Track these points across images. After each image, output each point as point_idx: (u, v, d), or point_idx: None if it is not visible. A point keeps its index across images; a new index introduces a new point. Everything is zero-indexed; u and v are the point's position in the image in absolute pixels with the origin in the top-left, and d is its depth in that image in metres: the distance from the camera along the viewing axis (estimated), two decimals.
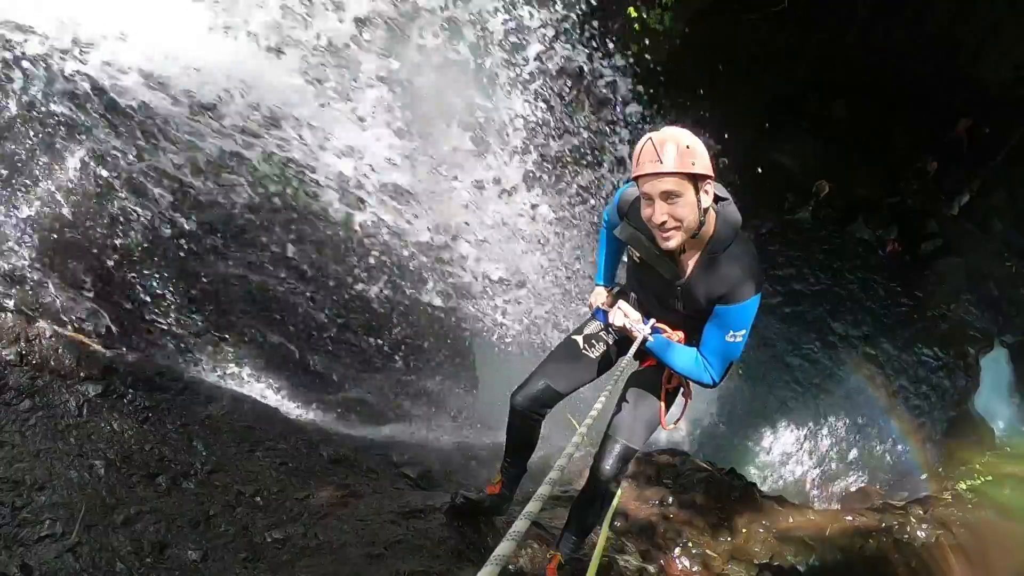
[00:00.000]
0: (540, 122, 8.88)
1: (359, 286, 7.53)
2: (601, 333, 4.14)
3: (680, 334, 3.79)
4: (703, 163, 3.16)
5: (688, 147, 3.12)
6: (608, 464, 4.04)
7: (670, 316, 3.75)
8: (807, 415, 14.91)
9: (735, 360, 3.63)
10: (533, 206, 8.82)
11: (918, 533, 8.23)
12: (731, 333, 3.43)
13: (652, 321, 3.79)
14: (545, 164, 9.08)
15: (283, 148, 6.78)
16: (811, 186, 15.04)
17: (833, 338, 15.12)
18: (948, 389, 14.45)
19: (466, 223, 8.12)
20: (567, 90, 9.33)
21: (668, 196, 3.11)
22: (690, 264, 3.44)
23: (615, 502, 4.54)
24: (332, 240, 7.29)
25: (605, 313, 3.94)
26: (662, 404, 3.99)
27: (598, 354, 4.11)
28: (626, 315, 3.75)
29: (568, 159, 9.65)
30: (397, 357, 8.21)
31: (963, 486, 9.84)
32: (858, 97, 14.69)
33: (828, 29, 13.13)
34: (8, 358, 4.96)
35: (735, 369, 12.14)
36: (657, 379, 4.02)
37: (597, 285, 4.44)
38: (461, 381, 9.17)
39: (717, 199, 3.39)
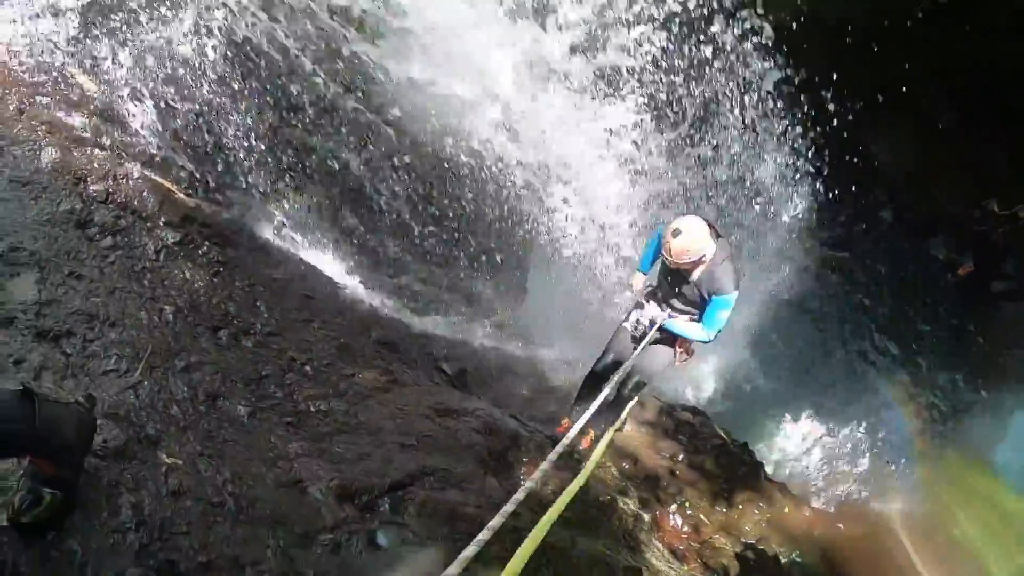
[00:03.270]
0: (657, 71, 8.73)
1: (438, 183, 7.65)
2: (639, 321, 5.98)
3: (687, 316, 5.77)
4: (704, 249, 5.15)
5: (695, 248, 5.13)
6: (627, 389, 6.37)
7: (682, 299, 5.67)
8: (832, 415, 14.77)
9: (722, 330, 5.59)
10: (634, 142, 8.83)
11: (905, 546, 8.36)
12: (720, 312, 5.42)
13: (668, 311, 5.80)
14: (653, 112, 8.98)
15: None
16: (899, 182, 14.24)
17: (880, 348, 14.75)
18: (974, 433, 14.20)
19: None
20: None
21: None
22: (697, 272, 5.35)
23: (624, 414, 6.90)
24: (426, 145, 7.39)
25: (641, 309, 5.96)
26: (673, 350, 6.06)
27: (638, 334, 6.01)
28: (654, 310, 5.86)
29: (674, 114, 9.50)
30: (458, 254, 8.37)
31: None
32: (973, 112, 13.66)
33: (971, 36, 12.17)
34: (95, 194, 5.15)
35: (777, 351, 12.13)
36: (669, 346, 6.05)
37: (638, 271, 6.17)
38: (512, 291, 9.31)
39: (717, 233, 5.32)
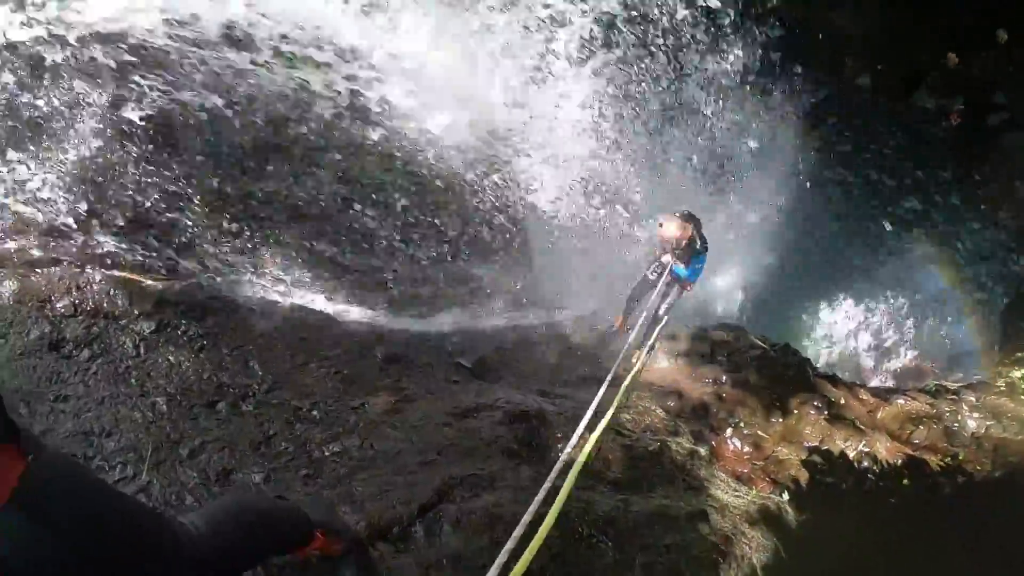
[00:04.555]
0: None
1: (401, 187, 7.54)
2: (659, 264, 8.44)
3: (683, 265, 8.27)
4: (678, 232, 8.01)
5: (672, 234, 8.05)
6: (660, 311, 8.49)
7: (679, 257, 8.19)
8: (865, 289, 14.52)
9: (701, 273, 8.54)
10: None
11: (968, 422, 8.04)
12: (698, 265, 8.37)
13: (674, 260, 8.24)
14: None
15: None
16: (872, 51, 13.64)
17: (895, 211, 14.37)
18: (1009, 270, 13.73)
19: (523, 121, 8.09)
20: None
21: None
22: (683, 243, 8.02)
23: (657, 331, 8.47)
24: (372, 149, 7.25)
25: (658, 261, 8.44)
26: (680, 288, 8.55)
27: (654, 277, 8.45)
28: (667, 259, 8.28)
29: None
30: (450, 248, 8.28)
31: (1018, 374, 9.46)
32: None
33: None
34: (63, 310, 5.15)
35: (797, 247, 12.32)
36: (678, 285, 8.54)
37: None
38: (516, 265, 9.18)
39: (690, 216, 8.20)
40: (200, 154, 6.45)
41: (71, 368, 4.81)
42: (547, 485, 4.23)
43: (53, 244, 5.71)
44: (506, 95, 8.07)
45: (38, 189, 5.97)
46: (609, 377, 6.29)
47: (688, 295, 8.76)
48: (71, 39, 6.03)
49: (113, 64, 6.30)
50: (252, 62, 6.48)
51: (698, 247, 8.22)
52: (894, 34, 13.08)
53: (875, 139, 14.09)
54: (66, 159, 6.10)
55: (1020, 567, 6.32)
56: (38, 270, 5.39)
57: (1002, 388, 9.14)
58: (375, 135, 7.22)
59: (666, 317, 8.57)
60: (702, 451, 6.45)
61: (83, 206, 6.03)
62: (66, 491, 1.26)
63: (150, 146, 6.27)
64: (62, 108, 6.22)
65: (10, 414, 1.09)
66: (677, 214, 8.11)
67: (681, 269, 8.36)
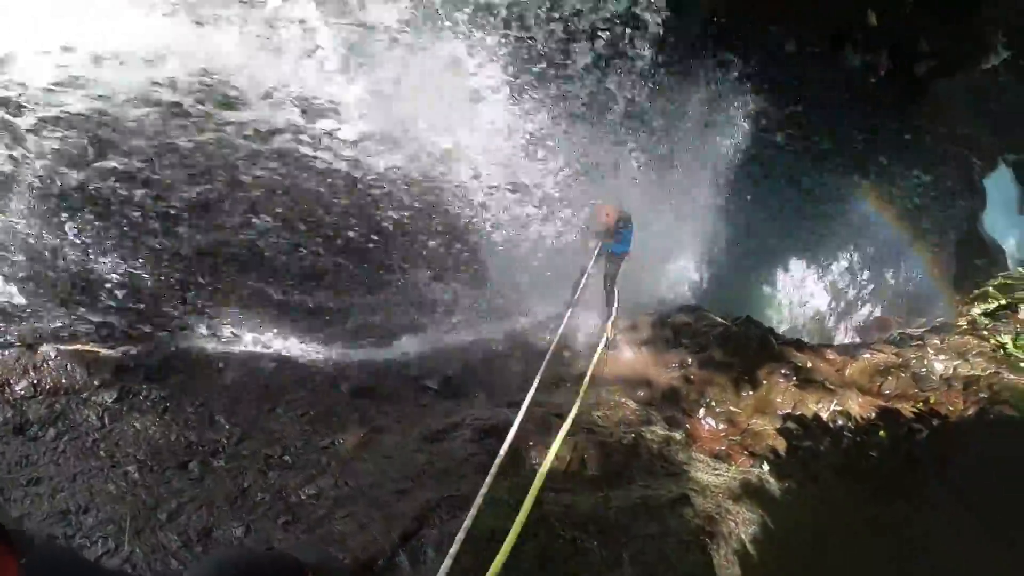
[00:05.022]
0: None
1: (334, 218, 7.56)
2: (598, 245, 9.07)
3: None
4: (607, 216, 9.02)
5: (603, 219, 9.03)
6: (607, 285, 9.09)
7: (604, 235, 8.99)
8: (818, 250, 14.69)
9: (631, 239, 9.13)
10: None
11: (935, 365, 8.17)
12: (629, 237, 9.11)
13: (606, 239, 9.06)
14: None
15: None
16: (795, 17, 13.84)
17: (837, 169, 14.59)
18: (955, 211, 14.06)
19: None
20: None
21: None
22: (611, 225, 8.88)
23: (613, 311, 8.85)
24: (304, 188, 7.27)
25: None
26: (618, 260, 9.17)
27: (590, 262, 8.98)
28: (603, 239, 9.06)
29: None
30: (398, 273, 8.30)
31: (978, 311, 9.65)
32: None
33: None
34: (22, 392, 5.16)
35: (740, 213, 12.33)
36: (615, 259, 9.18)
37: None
38: (470, 280, 9.21)
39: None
40: (140, 214, 6.42)
41: (39, 449, 4.82)
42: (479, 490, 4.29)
43: (4, 327, 5.67)
44: (439, 121, 8.06)
45: None
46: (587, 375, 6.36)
47: (629, 262, 9.29)
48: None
49: (45, 130, 6.25)
50: (181, 110, 6.44)
51: (622, 226, 9.05)
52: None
53: (808, 102, 14.31)
54: (3, 230, 6.05)
55: (999, 502, 6.46)
56: None
57: (964, 327, 9.31)
58: (315, 177, 7.24)
59: (616, 290, 9.10)
60: (677, 436, 6.53)
61: (28, 284, 5.99)
62: None
63: (88, 212, 6.24)
64: None
65: None
66: (601, 202, 9.36)
67: (611, 245, 9.11)
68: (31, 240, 6.21)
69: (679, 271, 13.31)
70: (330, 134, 7.15)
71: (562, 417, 5.91)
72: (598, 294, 9.07)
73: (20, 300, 5.94)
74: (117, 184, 6.27)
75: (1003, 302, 9.54)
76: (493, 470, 4.56)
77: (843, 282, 14.82)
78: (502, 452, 4.89)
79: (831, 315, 14.51)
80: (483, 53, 8.36)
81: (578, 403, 6.19)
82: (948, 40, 13.65)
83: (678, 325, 8.53)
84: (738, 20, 12.42)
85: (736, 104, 13.27)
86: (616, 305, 8.91)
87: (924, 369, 8.14)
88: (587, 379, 6.91)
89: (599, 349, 7.86)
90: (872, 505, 6.22)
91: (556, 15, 9.26)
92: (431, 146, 7.98)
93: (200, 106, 6.51)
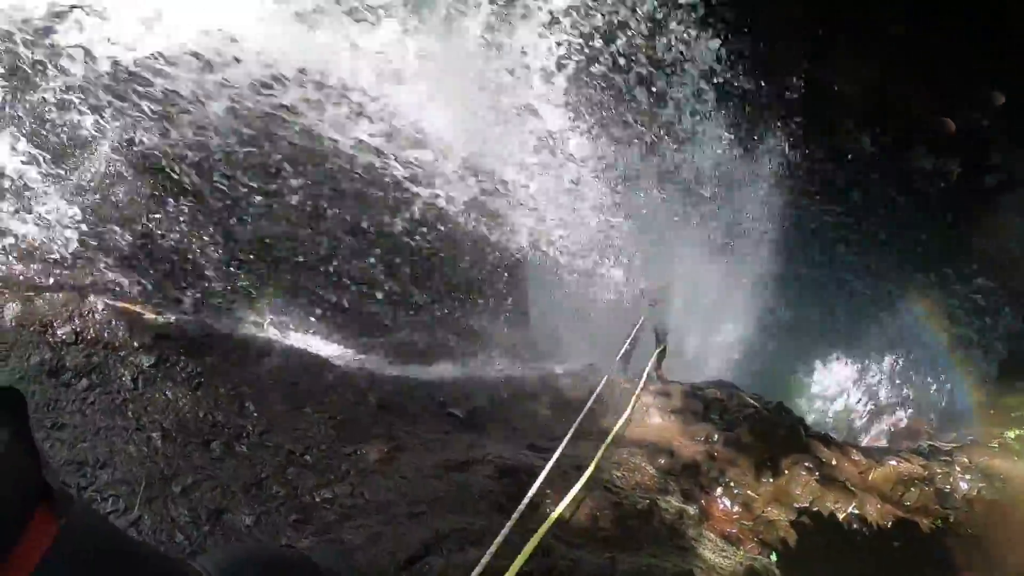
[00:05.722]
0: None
1: (400, 233, 7.61)
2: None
3: None
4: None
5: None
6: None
7: None
8: (859, 348, 14.60)
9: None
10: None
11: (961, 484, 8.05)
12: None
13: None
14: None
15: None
16: (866, 108, 13.86)
17: (890, 270, 14.55)
18: (1004, 329, 13.90)
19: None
20: None
21: None
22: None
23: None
24: (369, 195, 7.34)
25: None
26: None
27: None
28: None
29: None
30: (444, 297, 8.33)
31: (1012, 435, 9.50)
32: (920, 15, 13.19)
33: None
34: (64, 337, 5.19)
35: (788, 299, 12.45)
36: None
37: None
38: (511, 316, 9.22)
39: None
40: (210, 191, 6.52)
41: (69, 396, 4.84)
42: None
43: (57, 270, 5.75)
44: (512, 153, 8.16)
45: (46, 213, 6.02)
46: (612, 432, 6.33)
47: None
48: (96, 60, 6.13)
49: (133, 94, 6.40)
50: (275, 105, 6.57)
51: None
52: (889, 94, 13.34)
53: (873, 197, 14.28)
54: (75, 186, 6.16)
55: None
56: (43, 295, 5.42)
57: (995, 448, 9.18)
58: (383, 188, 7.31)
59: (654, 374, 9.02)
60: (691, 510, 6.41)
61: (89, 235, 6.08)
62: (98, 552, 1.29)
63: (160, 179, 6.34)
64: (78, 133, 6.30)
65: (45, 473, 1.13)
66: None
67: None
68: (98, 196, 6.32)
69: (721, 345, 13.26)
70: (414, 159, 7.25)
71: (582, 469, 5.84)
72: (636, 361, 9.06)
73: (76, 247, 6.00)
74: (193, 155, 6.38)
75: None
76: (516, 515, 4.52)
77: (879, 383, 14.66)
78: (527, 499, 4.86)
79: (862, 414, 14.35)
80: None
81: (598, 457, 6.13)
82: (1020, 153, 13.61)
83: (710, 399, 8.43)
84: (810, 106, 12.40)
85: (802, 192, 13.29)
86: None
87: (949, 486, 8.05)
88: (608, 441, 6.85)
89: (626, 412, 7.81)
90: None
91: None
92: (507, 184, 8.06)
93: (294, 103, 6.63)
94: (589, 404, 7.12)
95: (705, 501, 6.96)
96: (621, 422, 7.28)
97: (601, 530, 5.50)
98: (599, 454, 6.18)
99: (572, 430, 6.20)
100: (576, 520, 5.40)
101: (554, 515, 4.92)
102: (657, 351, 9.05)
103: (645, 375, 8.25)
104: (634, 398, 7.87)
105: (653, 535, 5.77)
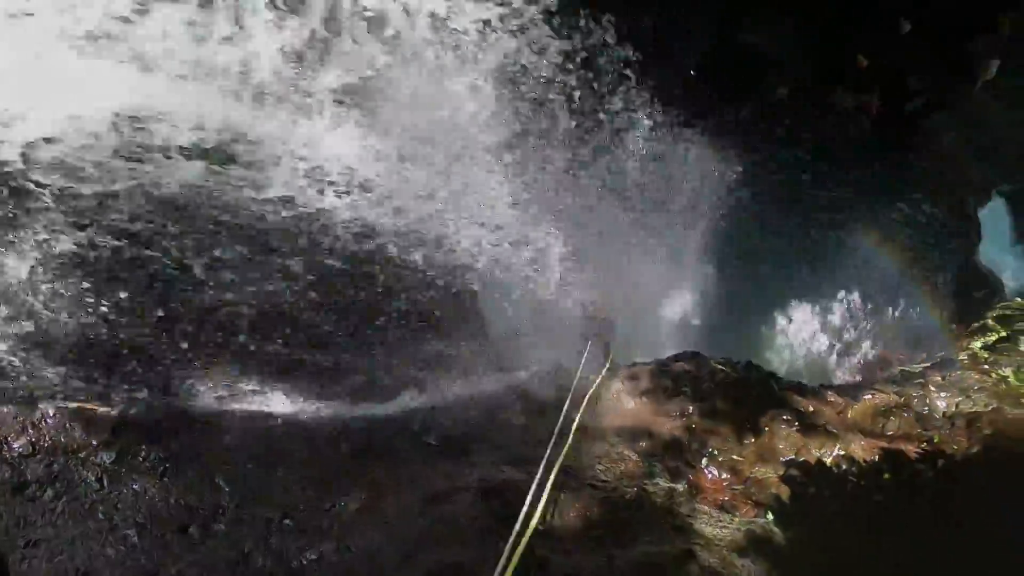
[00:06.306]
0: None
1: (339, 273, 7.53)
2: None
3: None
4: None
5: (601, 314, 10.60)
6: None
7: None
8: (818, 291, 14.80)
9: None
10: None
11: (938, 403, 8.16)
12: None
13: None
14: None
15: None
16: (787, 66, 13.95)
17: (832, 211, 14.72)
18: (952, 245, 14.13)
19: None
20: None
21: None
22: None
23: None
24: (299, 241, 7.25)
25: None
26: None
27: None
28: None
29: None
30: (397, 330, 8.26)
31: (978, 344, 9.63)
32: None
33: None
34: (21, 450, 5.09)
35: (740, 255, 12.37)
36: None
37: None
38: (468, 333, 9.18)
39: None
40: (142, 272, 6.40)
41: (37, 510, 4.76)
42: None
43: (1, 384, 5.62)
44: (427, 180, 8.08)
45: None
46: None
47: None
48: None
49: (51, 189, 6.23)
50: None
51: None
52: (807, 48, 13.45)
53: (801, 145, 14.40)
54: (5, 288, 6.01)
55: (1003, 541, 6.40)
56: None
57: (965, 361, 9.28)
58: (313, 233, 7.23)
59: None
60: (680, 488, 6.47)
61: (27, 342, 5.94)
62: None
63: (89, 270, 6.20)
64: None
65: None
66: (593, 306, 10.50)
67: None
68: (30, 299, 6.17)
69: (680, 316, 13.35)
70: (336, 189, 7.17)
71: (566, 473, 5.88)
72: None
73: (16, 359, 5.87)
74: (117, 242, 6.25)
75: (1003, 334, 9.46)
76: (506, 553, 4.52)
77: (843, 321, 14.87)
78: (514, 532, 4.86)
79: (832, 355, 14.53)
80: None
81: (559, 462, 6.12)
82: (937, 75, 13.75)
83: (678, 373, 8.47)
84: (731, 67, 12.49)
85: (732, 151, 13.37)
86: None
87: (927, 408, 8.15)
88: (572, 434, 6.89)
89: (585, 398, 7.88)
90: (878, 551, 6.17)
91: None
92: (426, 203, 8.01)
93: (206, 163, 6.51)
94: (565, 408, 7.13)
95: (693, 475, 7.00)
96: (579, 417, 7.30)
97: (594, 529, 5.52)
98: (563, 452, 6.18)
99: (552, 440, 6.17)
100: (568, 526, 5.42)
101: (532, 524, 4.90)
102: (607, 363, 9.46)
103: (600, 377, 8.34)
104: (588, 396, 7.95)
105: (647, 522, 5.79)
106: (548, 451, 6.09)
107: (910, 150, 13.83)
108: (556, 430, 6.67)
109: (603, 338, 10.16)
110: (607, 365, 9.33)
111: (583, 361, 8.98)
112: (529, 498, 5.21)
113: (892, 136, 13.72)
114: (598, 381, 8.46)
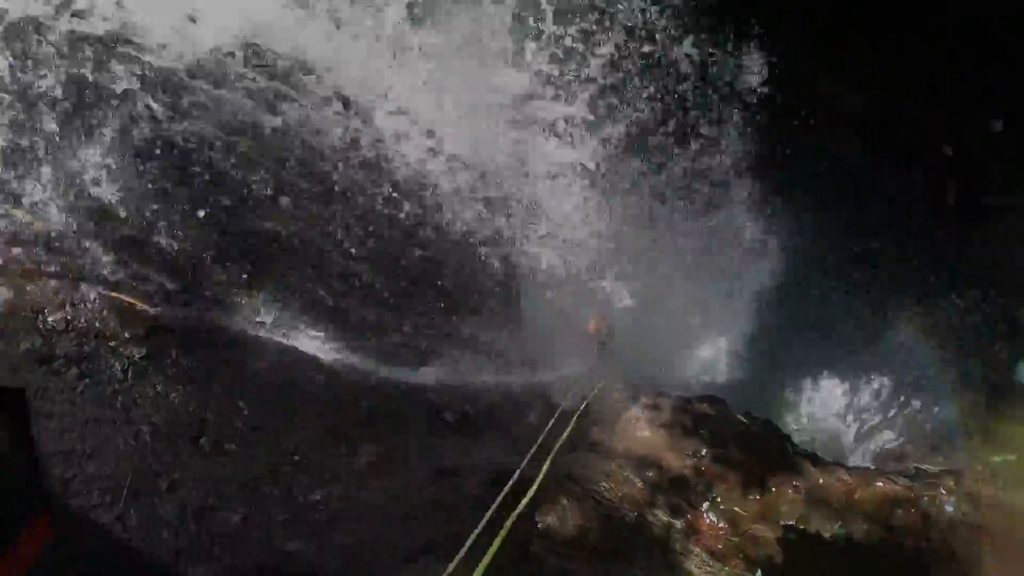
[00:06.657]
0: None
1: (398, 238, 7.54)
2: None
3: None
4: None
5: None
6: None
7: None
8: (850, 369, 14.59)
9: None
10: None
11: (946, 508, 8.04)
12: None
13: None
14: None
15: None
16: (872, 121, 13.76)
17: (883, 291, 14.54)
18: (994, 350, 13.91)
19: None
20: None
21: None
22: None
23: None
24: (380, 204, 7.26)
25: None
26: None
27: None
28: None
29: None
30: (440, 302, 8.25)
31: (998, 459, 9.50)
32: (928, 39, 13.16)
33: None
34: (55, 324, 5.08)
35: (780, 318, 12.22)
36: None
37: None
38: (505, 322, 9.16)
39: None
40: (209, 184, 6.42)
41: (59, 385, 4.73)
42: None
43: (51, 256, 5.63)
44: (510, 158, 8.06)
45: (42, 201, 5.93)
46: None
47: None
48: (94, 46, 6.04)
49: (134, 82, 6.31)
50: (276, 95, 6.47)
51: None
52: (893, 112, 13.32)
53: (870, 216, 14.26)
54: (73, 173, 6.06)
55: None
56: (35, 281, 5.32)
57: (981, 472, 9.16)
58: (384, 189, 7.23)
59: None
60: (678, 524, 6.42)
61: (85, 222, 5.97)
62: (88, 564, 1.25)
63: (159, 169, 6.24)
64: (76, 121, 6.20)
65: (45, 483, 1.08)
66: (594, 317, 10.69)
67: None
68: (99, 182, 6.22)
69: (711, 358, 13.27)
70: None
71: (573, 477, 5.84)
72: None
73: (70, 234, 5.90)
74: (196, 147, 6.29)
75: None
76: (497, 542, 4.47)
77: (868, 404, 14.66)
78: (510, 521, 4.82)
79: (850, 435, 14.34)
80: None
81: (548, 462, 6.09)
82: (1016, 178, 13.57)
83: (699, 414, 8.39)
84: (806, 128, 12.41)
85: (792, 208, 13.31)
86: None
87: (934, 509, 7.99)
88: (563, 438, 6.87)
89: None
90: None
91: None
92: (504, 186, 8.01)
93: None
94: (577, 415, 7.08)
95: (692, 516, 6.91)
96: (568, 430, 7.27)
97: (591, 541, 5.47)
98: (549, 459, 6.13)
99: (563, 437, 6.12)
100: (566, 531, 5.38)
101: (518, 509, 4.87)
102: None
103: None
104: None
105: (642, 548, 5.80)
106: (553, 451, 6.02)
107: (979, 245, 13.56)
108: (564, 436, 6.62)
109: (604, 343, 10.36)
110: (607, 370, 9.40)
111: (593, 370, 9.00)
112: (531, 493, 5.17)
113: (961, 228, 13.47)
114: (599, 386, 8.55)
